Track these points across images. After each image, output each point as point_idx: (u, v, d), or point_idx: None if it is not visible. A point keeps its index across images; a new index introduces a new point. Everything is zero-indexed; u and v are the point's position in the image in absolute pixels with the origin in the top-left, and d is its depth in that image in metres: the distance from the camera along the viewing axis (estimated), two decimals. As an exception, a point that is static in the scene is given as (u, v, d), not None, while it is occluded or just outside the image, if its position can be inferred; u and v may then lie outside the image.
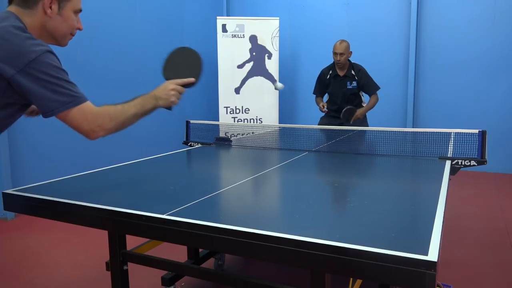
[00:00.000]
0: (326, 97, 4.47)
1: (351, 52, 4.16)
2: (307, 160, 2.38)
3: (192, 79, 1.60)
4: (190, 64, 1.65)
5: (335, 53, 4.10)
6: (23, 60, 1.20)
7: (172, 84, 1.56)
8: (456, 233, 3.31)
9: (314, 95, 4.45)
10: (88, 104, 1.33)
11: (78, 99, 1.30)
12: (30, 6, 1.31)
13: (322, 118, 4.42)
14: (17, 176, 3.83)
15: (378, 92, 4.22)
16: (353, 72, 4.16)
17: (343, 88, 4.19)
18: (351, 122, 4.05)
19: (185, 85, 1.60)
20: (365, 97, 4.34)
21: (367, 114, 4.33)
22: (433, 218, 1.28)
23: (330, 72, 4.25)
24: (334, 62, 4.20)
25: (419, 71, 5.89)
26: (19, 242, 3.25)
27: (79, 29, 1.45)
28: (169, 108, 1.57)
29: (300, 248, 1.09)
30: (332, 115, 4.30)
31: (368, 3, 6.03)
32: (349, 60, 4.18)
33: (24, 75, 1.20)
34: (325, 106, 4.19)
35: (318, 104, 4.33)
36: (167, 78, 1.62)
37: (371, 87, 4.19)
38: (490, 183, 4.96)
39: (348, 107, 4.04)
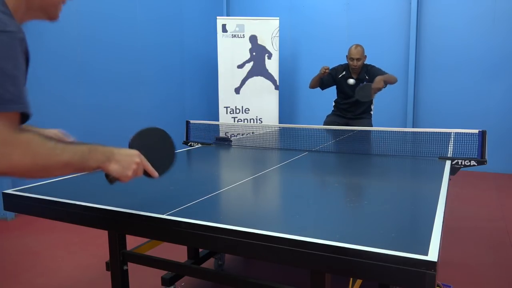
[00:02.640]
0: (335, 95, 4.38)
1: (366, 56, 4.10)
2: (307, 160, 2.38)
3: (156, 174, 1.33)
4: (164, 156, 1.41)
5: (351, 59, 4.01)
6: None
7: (139, 158, 1.25)
8: (456, 233, 3.31)
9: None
10: (15, 119, 0.97)
11: (8, 105, 0.94)
12: None
13: (328, 115, 4.37)
14: (17, 176, 3.82)
15: (376, 95, 4.14)
16: (365, 75, 4.09)
17: (354, 90, 4.06)
18: (373, 97, 3.85)
19: (147, 173, 1.32)
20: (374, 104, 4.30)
21: (372, 113, 4.30)
22: (433, 218, 1.28)
23: (344, 72, 4.15)
24: (348, 64, 4.11)
25: (419, 71, 5.89)
26: (19, 242, 3.25)
27: None
28: (113, 180, 1.26)
29: (300, 248, 1.09)
30: (339, 114, 4.27)
31: (368, 3, 6.03)
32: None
33: None
34: (325, 68, 3.98)
35: (314, 77, 4.15)
36: (134, 147, 1.31)
37: (381, 74, 3.97)
38: (490, 183, 4.96)
39: (361, 84, 3.86)
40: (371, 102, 4.25)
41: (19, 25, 1.02)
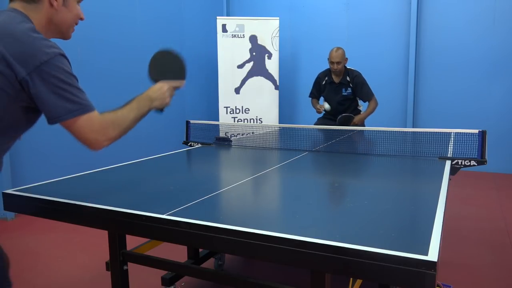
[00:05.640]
0: (321, 100, 4.47)
1: (347, 58, 4.16)
2: (307, 160, 2.38)
3: (183, 82, 1.62)
4: (175, 66, 1.65)
5: (331, 62, 4.09)
6: (34, 62, 1.15)
7: (166, 85, 1.55)
8: (456, 233, 3.31)
9: (310, 98, 4.46)
10: (95, 113, 1.28)
11: (85, 108, 1.25)
12: (35, 0, 1.26)
13: (318, 119, 4.44)
14: (17, 176, 3.83)
15: (376, 95, 4.21)
16: (348, 78, 4.15)
17: (338, 94, 4.20)
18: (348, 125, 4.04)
19: (177, 88, 1.61)
20: (361, 101, 4.34)
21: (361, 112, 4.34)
22: (433, 218, 1.28)
23: (326, 78, 4.25)
24: (330, 68, 4.20)
25: (419, 71, 5.89)
26: (19, 242, 3.25)
27: (82, 19, 1.40)
28: (161, 109, 1.55)
29: (300, 248, 1.09)
30: (328, 118, 4.32)
31: (368, 3, 6.03)
32: (344, 66, 4.17)
33: (34, 77, 1.16)
34: (323, 107, 4.19)
35: (314, 106, 4.35)
36: (156, 80, 1.60)
37: (364, 94, 4.18)
38: (490, 183, 4.96)
39: (344, 114, 4.05)
40: (357, 103, 4.29)
41: None
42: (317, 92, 4.39)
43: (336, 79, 4.19)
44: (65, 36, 1.38)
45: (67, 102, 1.21)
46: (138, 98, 1.45)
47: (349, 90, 4.18)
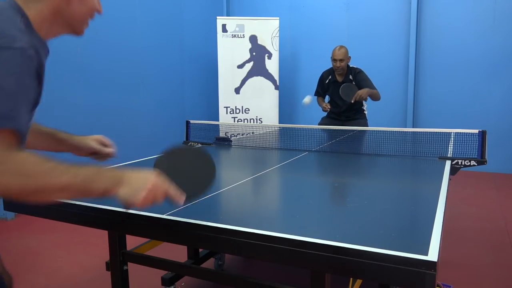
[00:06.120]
0: (327, 99, 4.46)
1: (350, 57, 4.15)
2: (307, 160, 2.38)
3: (183, 199, 1.14)
4: (199, 178, 1.20)
5: (334, 60, 4.08)
6: None
7: (160, 182, 1.08)
8: (456, 233, 3.31)
9: (316, 96, 4.46)
10: (10, 135, 0.91)
11: (5, 122, 0.89)
12: None
13: (323, 118, 4.43)
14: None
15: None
16: (350, 77, 4.14)
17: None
18: (351, 101, 3.91)
19: (170, 197, 1.12)
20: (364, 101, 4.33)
21: (367, 114, 4.33)
22: (433, 218, 1.28)
23: (330, 77, 4.24)
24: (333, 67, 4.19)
25: (419, 71, 5.89)
26: (19, 242, 3.25)
27: (99, 12, 1.17)
28: (126, 205, 1.04)
29: (300, 248, 1.09)
30: (333, 117, 4.30)
31: (368, 3, 6.03)
32: (347, 65, 4.16)
33: None
34: (328, 106, 4.16)
35: (320, 104, 4.33)
36: (158, 168, 1.17)
37: (367, 86, 4.07)
38: (490, 183, 4.96)
39: (348, 84, 3.95)
40: (361, 104, 4.27)
41: (33, 40, 0.98)
42: (321, 90, 4.36)
43: (339, 78, 4.18)
44: (76, 31, 1.16)
45: None
46: (105, 170, 1.03)
47: None
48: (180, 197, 1.13)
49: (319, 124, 4.36)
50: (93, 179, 0.97)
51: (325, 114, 4.45)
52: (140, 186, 1.02)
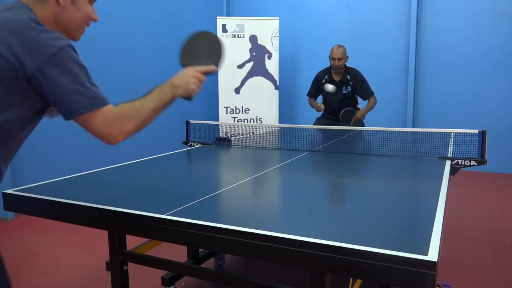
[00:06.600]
0: (320, 99, 4.46)
1: (348, 56, 4.16)
2: (307, 160, 2.38)
3: (213, 67, 1.43)
4: (210, 50, 1.47)
5: (333, 58, 4.08)
6: (42, 55, 1.07)
7: (191, 71, 1.39)
8: (456, 233, 3.31)
9: (307, 97, 4.44)
10: (109, 107, 1.21)
11: (100, 102, 1.18)
12: None
13: (317, 119, 4.43)
14: (17, 176, 3.83)
15: (376, 95, 4.21)
16: (348, 77, 4.14)
17: (338, 93, 4.18)
18: (351, 124, 4.05)
19: (206, 73, 1.42)
20: (360, 100, 4.34)
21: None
22: (433, 218, 1.28)
23: (326, 77, 4.23)
24: (330, 66, 4.19)
25: (419, 71, 5.89)
26: (19, 242, 3.25)
27: (94, 20, 1.31)
28: (188, 98, 1.39)
29: (300, 248, 1.09)
30: (328, 117, 4.31)
31: (368, 3, 6.03)
32: (345, 65, 4.17)
33: (43, 72, 1.07)
34: (322, 107, 4.17)
35: (312, 105, 4.33)
36: (185, 65, 1.44)
37: (364, 92, 4.18)
38: (490, 183, 4.96)
39: (347, 108, 4.05)
40: (356, 102, 4.29)
41: None
42: (315, 91, 4.36)
43: (336, 77, 4.18)
44: (72, 37, 1.28)
45: (81, 96, 1.14)
46: (161, 86, 1.34)
47: (349, 88, 4.17)
48: (210, 68, 1.44)
49: (314, 125, 4.35)
50: (162, 96, 1.31)
51: (319, 114, 4.46)
52: (186, 80, 1.36)
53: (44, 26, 1.13)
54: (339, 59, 4.05)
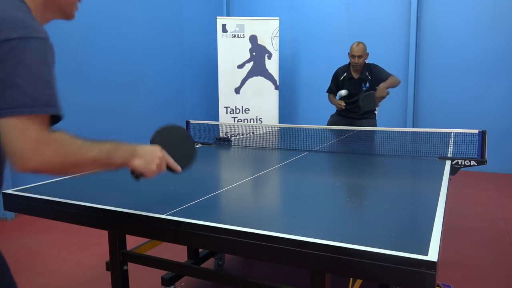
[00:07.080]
0: (337, 96, 4.37)
1: (368, 53, 4.06)
2: (307, 160, 2.38)
3: (179, 168, 1.35)
4: (186, 154, 1.44)
5: (352, 56, 3.98)
6: (8, 32, 0.91)
7: (162, 153, 1.27)
8: (456, 233, 3.31)
9: (327, 93, 4.35)
10: (48, 119, 0.99)
11: (44, 107, 0.96)
12: None
13: (332, 115, 4.34)
14: (17, 176, 3.83)
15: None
16: (367, 73, 4.04)
17: (357, 90, 4.07)
18: (378, 105, 3.76)
19: (170, 167, 1.33)
20: None
21: (376, 113, 4.26)
22: (433, 218, 1.28)
23: (345, 74, 4.14)
24: (349, 63, 4.10)
25: (419, 71, 5.89)
26: (19, 242, 3.25)
27: None
28: (139, 175, 1.27)
29: (300, 248, 1.09)
30: (343, 114, 4.23)
31: (368, 3, 6.03)
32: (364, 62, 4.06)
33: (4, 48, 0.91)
34: (343, 103, 4.06)
35: (332, 101, 4.24)
36: (155, 144, 1.33)
37: (384, 76, 3.92)
38: (490, 183, 4.96)
39: (364, 94, 3.74)
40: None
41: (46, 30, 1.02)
42: (334, 87, 4.26)
43: (355, 75, 4.08)
44: (67, 15, 1.18)
45: (22, 94, 0.92)
46: (119, 144, 1.16)
47: (368, 84, 4.05)
48: (176, 167, 1.34)
49: (328, 122, 4.28)
50: (114, 153, 1.12)
51: (334, 111, 4.34)
52: (151, 159, 1.22)
53: (35, 20, 1.00)
54: (359, 56, 3.95)
